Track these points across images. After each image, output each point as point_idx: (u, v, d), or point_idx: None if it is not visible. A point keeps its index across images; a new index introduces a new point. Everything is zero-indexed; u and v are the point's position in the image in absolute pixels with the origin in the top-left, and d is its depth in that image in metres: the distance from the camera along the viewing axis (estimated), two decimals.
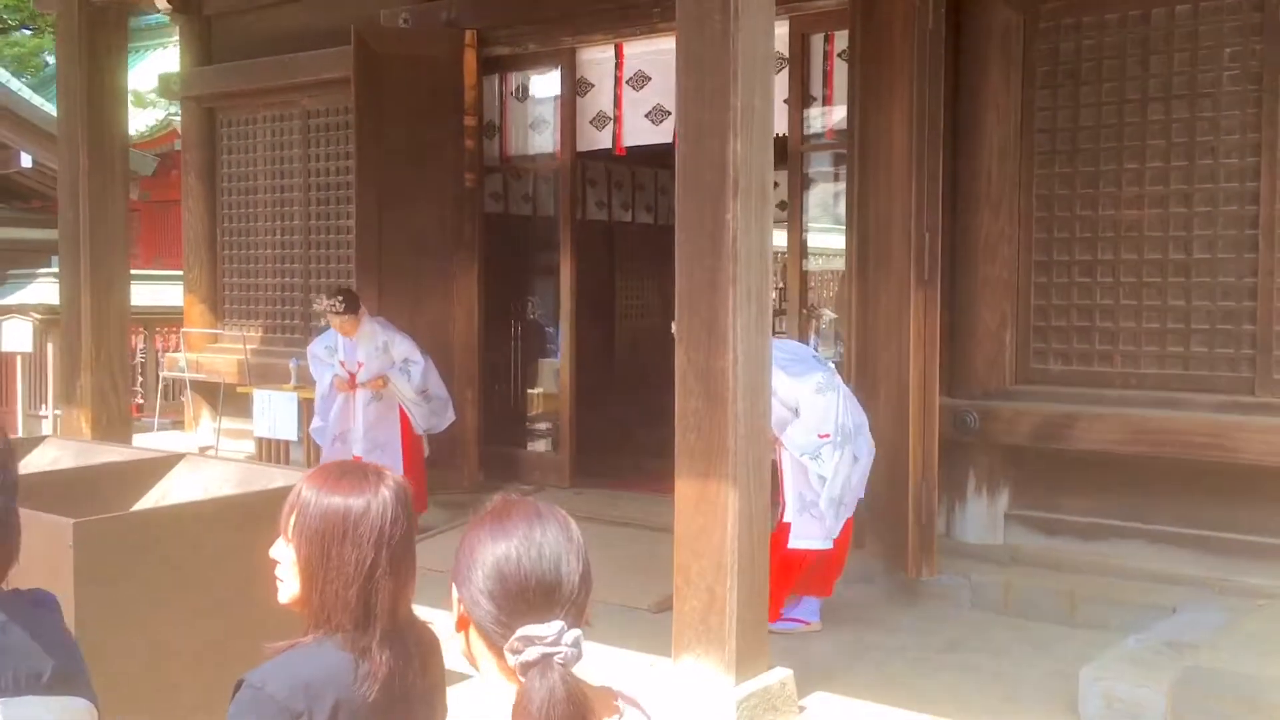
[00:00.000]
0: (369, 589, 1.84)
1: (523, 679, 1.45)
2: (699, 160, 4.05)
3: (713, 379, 4.06)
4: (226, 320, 9.32)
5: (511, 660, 1.47)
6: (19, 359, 11.15)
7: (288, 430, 7.85)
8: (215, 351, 9.25)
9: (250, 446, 8.42)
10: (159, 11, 8.89)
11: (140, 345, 13.18)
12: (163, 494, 4.54)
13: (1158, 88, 5.61)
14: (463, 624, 1.58)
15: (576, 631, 1.49)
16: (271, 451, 8.14)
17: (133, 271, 15.54)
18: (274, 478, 4.31)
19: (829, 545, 5.16)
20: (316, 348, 7.00)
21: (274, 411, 7.94)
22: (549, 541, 1.55)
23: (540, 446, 8.29)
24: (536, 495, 7.68)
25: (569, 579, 1.54)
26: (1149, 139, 5.64)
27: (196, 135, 9.33)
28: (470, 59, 7.54)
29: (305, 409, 7.79)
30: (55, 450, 5.06)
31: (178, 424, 10.18)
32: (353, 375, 6.79)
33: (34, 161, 12.06)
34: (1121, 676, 4.22)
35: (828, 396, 5.11)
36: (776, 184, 7.15)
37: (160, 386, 10.58)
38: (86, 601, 3.36)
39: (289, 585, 1.90)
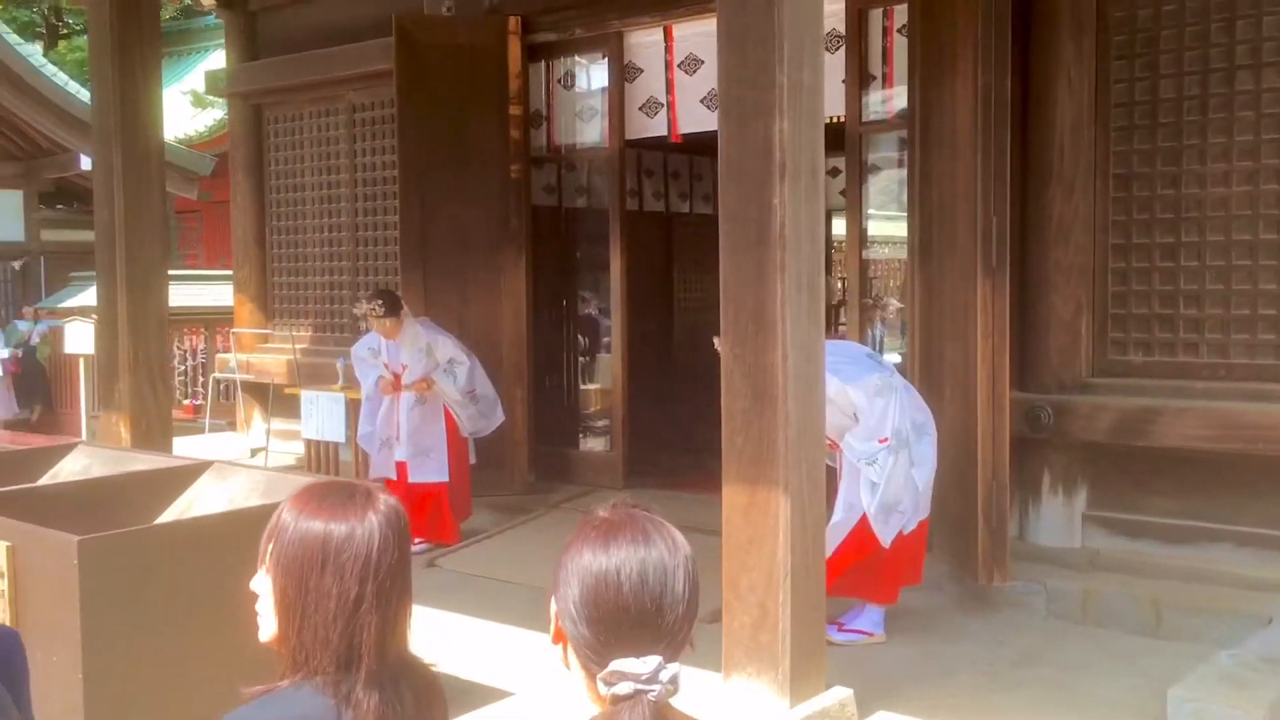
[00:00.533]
0: (353, 626, 1.59)
1: (612, 706, 1.37)
2: (742, 142, 3.76)
3: (760, 376, 3.76)
4: (276, 320, 9.20)
5: (603, 690, 1.38)
6: (81, 361, 11.17)
7: (335, 432, 7.70)
8: (265, 352, 9.14)
9: (301, 448, 8.29)
10: (205, 8, 8.75)
11: (200, 346, 13.20)
12: (189, 503, 4.36)
13: (1246, 54, 5.19)
14: (559, 638, 1.48)
15: (675, 668, 1.39)
16: (320, 453, 8.00)
17: (188, 272, 15.67)
18: (297, 487, 4.09)
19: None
20: (360, 349, 6.79)
21: (321, 413, 7.79)
22: (654, 566, 1.43)
23: (593, 445, 8.05)
24: (588, 496, 7.43)
25: (672, 609, 1.43)
26: (1237, 111, 5.22)
27: (243, 132, 9.22)
28: (514, 46, 7.30)
29: (353, 410, 7.63)
30: (86, 458, 4.92)
31: (231, 425, 10.10)
32: (397, 377, 6.56)
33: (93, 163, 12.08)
34: (1214, 696, 3.85)
35: (886, 399, 4.80)
36: (837, 171, 6.90)
37: (212, 387, 10.51)
38: (93, 620, 3.18)
39: (267, 622, 1.66)
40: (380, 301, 6.44)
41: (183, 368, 13.52)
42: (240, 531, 3.48)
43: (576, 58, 7.53)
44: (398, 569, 1.64)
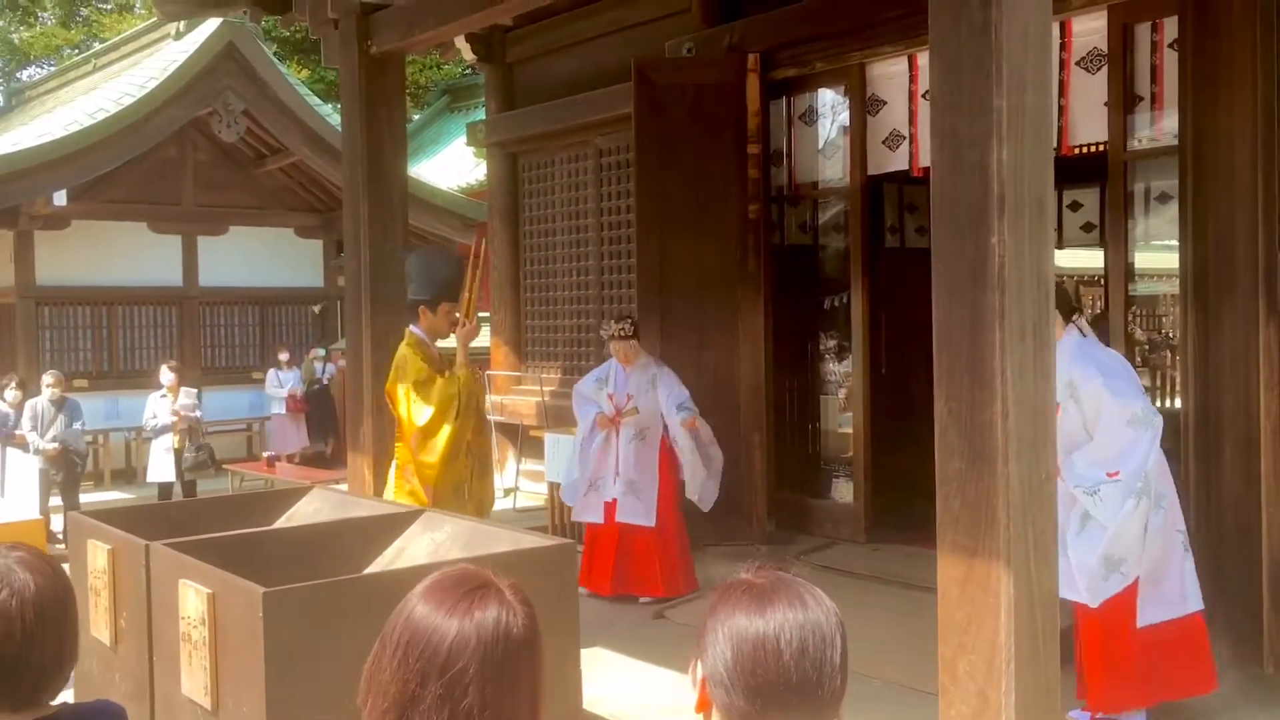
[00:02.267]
0: None
1: None
2: (956, 175, 3.39)
3: (977, 434, 3.36)
4: (528, 362, 9.39)
5: None
6: None
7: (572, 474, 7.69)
8: (517, 393, 9.33)
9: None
10: (467, 63, 9.10)
11: None
12: (399, 551, 4.40)
13: None
14: (704, 706, 1.40)
15: None
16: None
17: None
18: (499, 540, 4.04)
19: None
20: (584, 385, 6.73)
21: (563, 455, 7.81)
22: (814, 633, 1.35)
23: (834, 495, 7.67)
24: (829, 550, 7.07)
25: (830, 680, 1.35)
26: None
27: (499, 180, 9.50)
28: (753, 84, 7.12)
29: None
30: (318, 502, 5.09)
31: None
32: (619, 411, 6.46)
33: None
34: None
35: (1139, 432, 4.21)
36: (1078, 205, 6.30)
37: None
38: (277, 673, 3.20)
39: None
40: (630, 321, 6.50)
41: None
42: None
43: (817, 93, 7.26)
44: (484, 681, 1.41)
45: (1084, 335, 4.51)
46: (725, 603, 1.39)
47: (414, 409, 5.16)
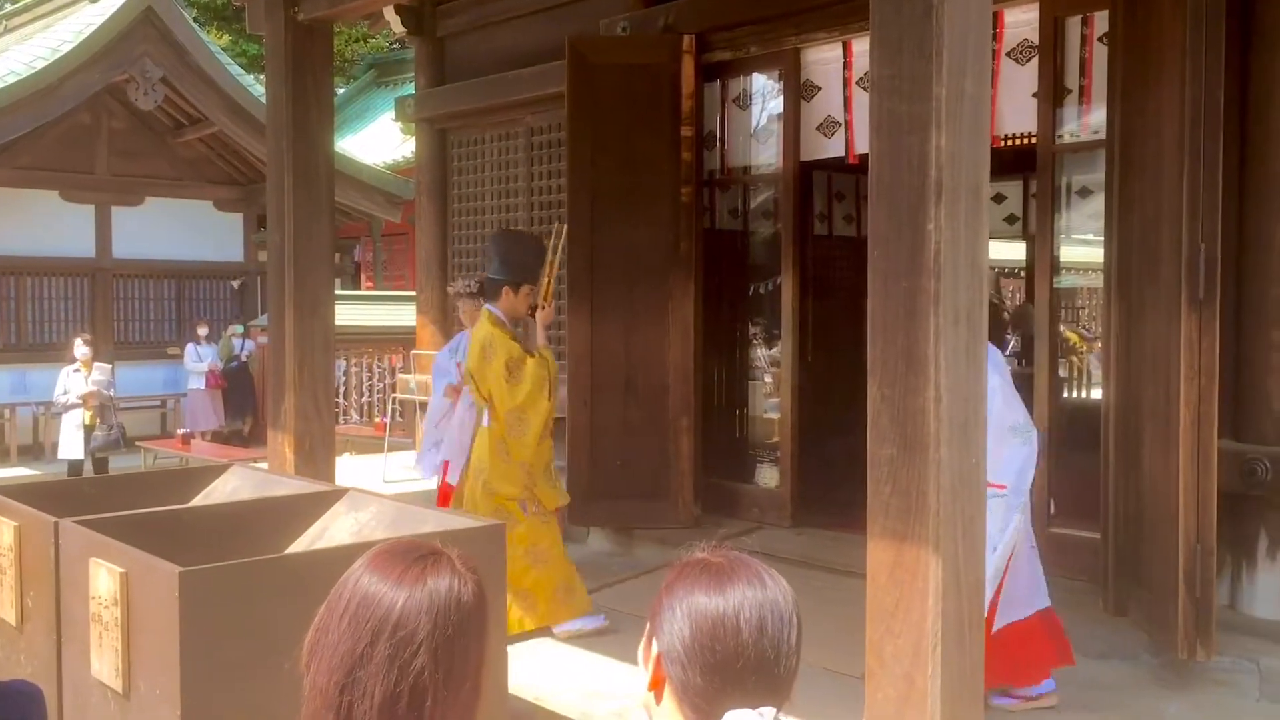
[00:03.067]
0: (352, 683, 1.39)
1: None
2: (895, 160, 3.38)
3: (910, 420, 3.36)
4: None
5: None
6: None
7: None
8: None
9: None
10: (395, 37, 8.91)
11: (399, 365, 13.55)
12: (321, 531, 4.29)
13: None
14: (657, 684, 1.38)
15: None
16: None
17: (390, 293, 16.15)
18: (425, 521, 3.96)
19: None
20: (441, 356, 6.54)
21: None
22: (773, 611, 1.36)
23: (761, 480, 7.70)
24: (755, 534, 7.08)
25: (787, 659, 1.37)
26: None
27: (428, 156, 9.34)
28: (688, 66, 7.07)
29: None
30: (237, 480, 4.95)
31: (414, 444, 10.25)
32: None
33: None
34: None
35: (1020, 442, 4.25)
36: (1003, 197, 6.34)
37: (392, 408, 10.69)
38: (192, 655, 3.09)
39: None
40: (475, 281, 6.18)
41: (381, 385, 13.91)
42: (341, 569, 3.36)
43: (751, 76, 7.24)
44: (435, 645, 1.41)
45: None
46: (683, 580, 1.38)
47: (510, 388, 5.30)
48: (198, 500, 4.81)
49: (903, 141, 3.36)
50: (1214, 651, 4.67)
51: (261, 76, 14.62)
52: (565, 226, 6.32)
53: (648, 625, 1.44)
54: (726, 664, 1.33)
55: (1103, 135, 5.42)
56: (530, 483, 5.41)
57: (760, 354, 8.28)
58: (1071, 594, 5.53)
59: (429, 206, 9.36)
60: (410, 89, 10.56)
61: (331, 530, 4.23)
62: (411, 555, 1.47)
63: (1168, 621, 4.74)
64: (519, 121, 8.60)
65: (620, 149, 7.09)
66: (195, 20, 16.69)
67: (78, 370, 10.74)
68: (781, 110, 7.02)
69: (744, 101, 7.32)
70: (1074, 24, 5.74)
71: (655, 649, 1.38)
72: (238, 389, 14.01)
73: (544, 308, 5.53)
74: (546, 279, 5.59)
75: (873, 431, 3.48)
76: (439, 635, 1.40)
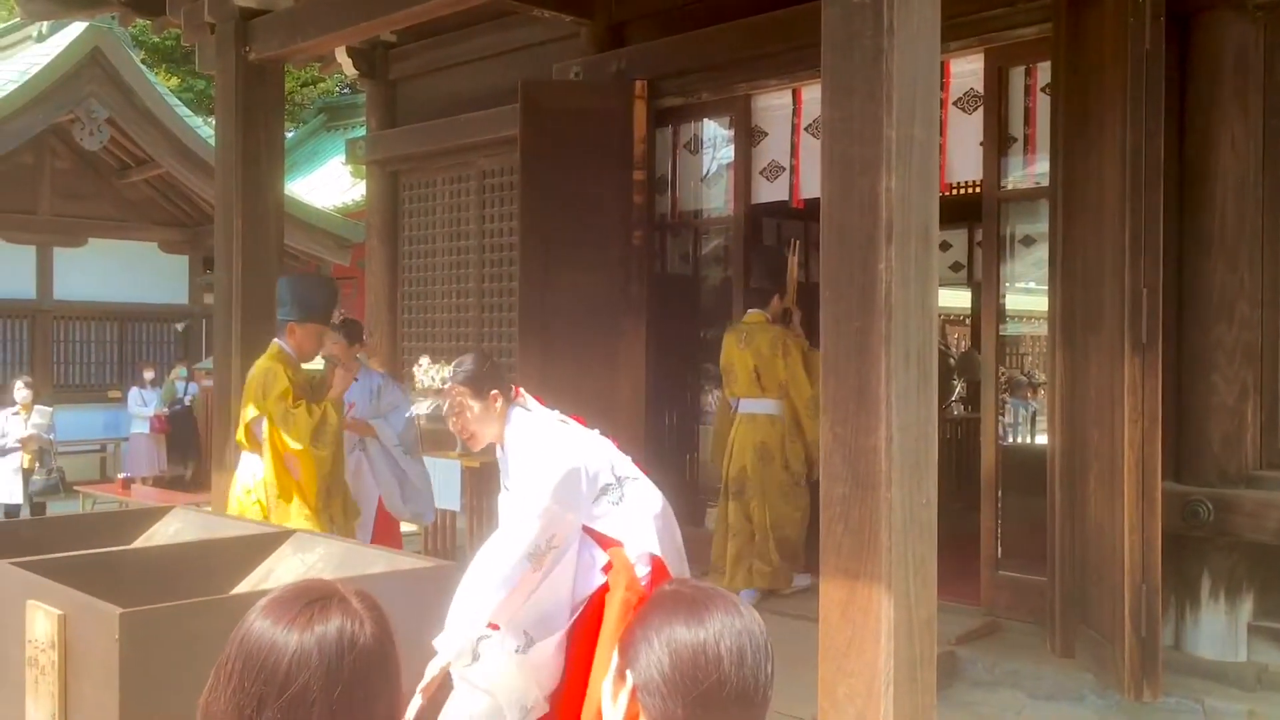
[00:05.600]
0: None
1: None
2: (846, 202, 3.43)
3: (862, 459, 3.38)
4: (404, 384, 9.18)
5: None
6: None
7: (451, 499, 7.55)
8: None
9: None
10: (345, 81, 8.92)
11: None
12: (267, 573, 4.21)
13: None
14: (633, 715, 1.36)
15: None
16: (441, 521, 7.87)
17: None
18: (373, 562, 3.90)
19: None
20: None
21: (438, 480, 7.66)
22: (751, 642, 1.35)
23: (708, 523, 7.68)
24: (703, 578, 7.06)
25: (765, 689, 1.36)
26: None
27: (379, 199, 9.32)
28: (640, 110, 7.14)
29: (469, 477, 7.50)
30: (179, 522, 4.84)
31: None
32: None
33: None
34: None
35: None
36: (947, 245, 6.44)
37: None
38: (132, 700, 3.00)
39: None
40: (341, 313, 5.98)
41: None
42: None
43: (702, 122, 7.32)
44: (330, 698, 1.33)
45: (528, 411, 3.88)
46: (658, 612, 1.36)
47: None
48: (139, 542, 4.70)
49: (854, 183, 3.41)
50: (1160, 692, 4.71)
51: (209, 118, 14.57)
52: (799, 242, 6.86)
53: (615, 660, 1.41)
54: (710, 695, 1.31)
55: (1046, 183, 5.54)
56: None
57: (710, 399, 8.29)
58: (1019, 635, 5.57)
59: (380, 249, 9.33)
60: (361, 132, 10.56)
61: (278, 572, 4.15)
62: (301, 601, 1.40)
63: (1114, 662, 4.79)
64: (471, 164, 8.61)
65: (572, 192, 7.12)
66: (143, 62, 16.58)
67: (17, 413, 10.51)
68: (732, 156, 7.10)
69: (695, 146, 7.40)
70: (1018, 74, 5.87)
71: (629, 682, 1.35)
72: (181, 433, 13.76)
73: (796, 313, 6.54)
74: (790, 287, 6.58)
75: (825, 470, 3.50)
76: (334, 687, 1.33)
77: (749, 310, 6.57)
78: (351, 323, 6.24)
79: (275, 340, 5.28)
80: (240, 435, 5.31)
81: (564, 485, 3.61)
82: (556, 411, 4.03)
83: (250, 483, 5.22)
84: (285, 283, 5.42)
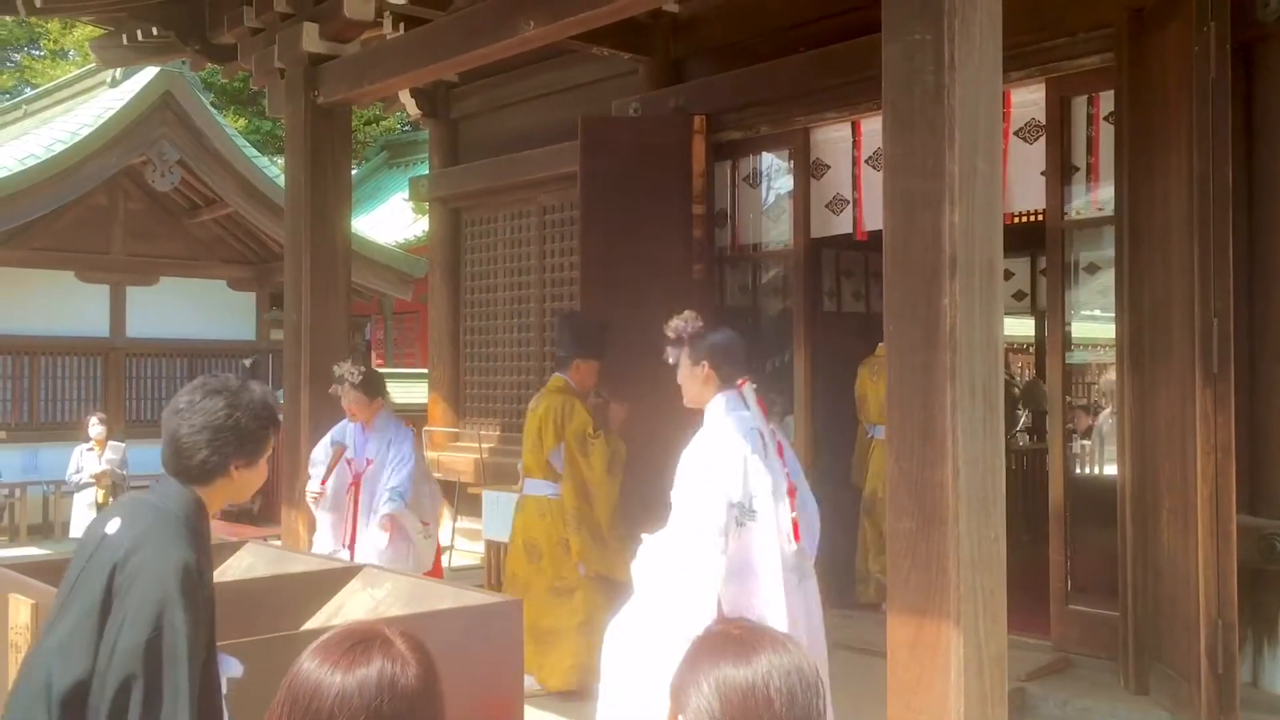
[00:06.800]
0: None
1: None
2: (909, 236, 3.43)
3: (928, 494, 3.36)
4: (466, 419, 9.28)
5: None
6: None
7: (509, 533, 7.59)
8: (455, 450, 9.21)
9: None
10: (406, 119, 9.08)
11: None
12: (337, 608, 4.28)
13: None
14: None
15: None
16: (499, 554, 7.91)
17: (395, 369, 16.15)
18: (443, 598, 3.94)
19: None
20: (318, 452, 5.84)
21: (502, 514, 7.70)
22: (801, 680, 1.34)
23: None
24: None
25: None
26: None
27: (441, 235, 9.46)
28: (699, 145, 7.18)
29: None
30: (252, 557, 4.94)
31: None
32: (357, 477, 5.64)
33: None
34: None
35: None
36: (1010, 274, 6.41)
37: None
38: None
39: None
40: (361, 369, 5.57)
41: None
42: None
43: (761, 156, 7.35)
44: None
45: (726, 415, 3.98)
46: (705, 652, 1.36)
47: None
48: (214, 577, 4.79)
49: (917, 217, 3.41)
50: None
51: (276, 158, 14.88)
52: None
53: (669, 704, 1.41)
54: None
55: (1110, 211, 5.48)
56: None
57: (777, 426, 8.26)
58: (1091, 671, 5.47)
59: (442, 284, 9.45)
60: (422, 169, 10.74)
61: (348, 607, 4.21)
62: (346, 644, 1.45)
63: (1190, 699, 4.68)
64: (531, 200, 8.71)
65: (633, 226, 7.16)
66: (212, 104, 16.99)
67: (91, 449, 10.76)
68: (791, 188, 7.11)
69: (754, 180, 7.42)
70: (1080, 104, 5.83)
71: None
72: None
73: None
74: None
75: (891, 505, 3.48)
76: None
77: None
78: (372, 374, 5.84)
79: (558, 374, 5.66)
80: (528, 461, 5.64)
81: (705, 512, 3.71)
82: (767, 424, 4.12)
83: (544, 506, 5.60)
84: (565, 322, 5.82)
